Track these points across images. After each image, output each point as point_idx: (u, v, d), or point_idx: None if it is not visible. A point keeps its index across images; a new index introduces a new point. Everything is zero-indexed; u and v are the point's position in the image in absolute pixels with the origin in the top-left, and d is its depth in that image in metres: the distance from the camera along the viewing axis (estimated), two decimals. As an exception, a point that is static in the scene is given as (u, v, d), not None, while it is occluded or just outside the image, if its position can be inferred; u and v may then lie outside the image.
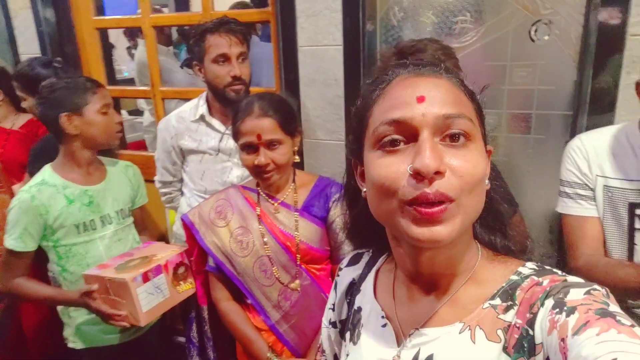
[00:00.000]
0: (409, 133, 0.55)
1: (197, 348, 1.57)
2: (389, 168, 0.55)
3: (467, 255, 0.63)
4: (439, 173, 0.52)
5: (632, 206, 1.19)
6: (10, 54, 2.43)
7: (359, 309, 0.75)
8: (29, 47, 2.35)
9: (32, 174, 1.88)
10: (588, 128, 1.40)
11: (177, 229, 1.86)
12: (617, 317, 0.47)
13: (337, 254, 1.41)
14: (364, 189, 0.64)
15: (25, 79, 1.90)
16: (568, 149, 1.29)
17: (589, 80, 1.39)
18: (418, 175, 0.52)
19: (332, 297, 0.83)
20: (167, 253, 1.48)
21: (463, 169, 0.53)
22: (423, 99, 0.55)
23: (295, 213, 1.39)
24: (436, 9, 1.56)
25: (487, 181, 0.59)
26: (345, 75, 1.68)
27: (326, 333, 0.84)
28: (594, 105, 1.40)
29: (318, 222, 1.39)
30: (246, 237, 1.38)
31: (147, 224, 1.84)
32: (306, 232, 1.38)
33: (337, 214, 1.35)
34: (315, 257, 1.40)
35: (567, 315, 0.49)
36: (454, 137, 0.55)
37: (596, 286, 0.53)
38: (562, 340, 0.48)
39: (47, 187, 1.48)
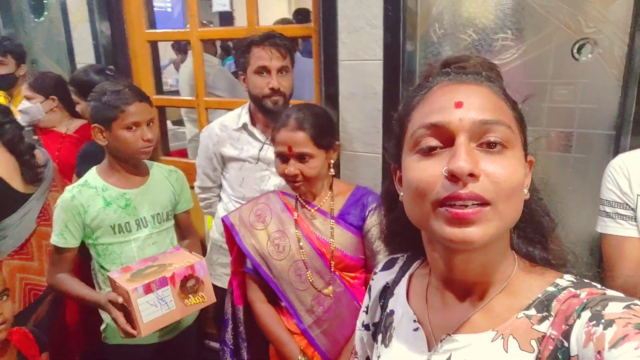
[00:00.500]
0: (446, 137, 0.56)
1: (231, 350, 1.61)
2: (425, 171, 0.56)
3: (502, 264, 0.62)
4: (473, 176, 0.52)
5: (677, 228, 1.16)
6: (68, 64, 2.59)
7: (392, 312, 0.76)
8: (85, 57, 2.50)
9: (79, 176, 1.99)
10: (631, 148, 1.36)
11: (213, 233, 1.92)
12: None
13: (372, 262, 1.42)
14: (402, 193, 0.65)
15: (79, 84, 2.02)
16: (609, 167, 1.27)
17: (633, 100, 1.37)
18: (452, 177, 0.53)
19: (366, 300, 0.85)
20: (180, 265, 1.46)
21: (499, 175, 0.54)
22: (461, 104, 0.56)
23: (331, 220, 1.42)
24: (477, 26, 1.58)
25: (526, 191, 0.60)
26: (385, 89, 1.71)
27: (359, 335, 0.86)
28: (638, 125, 1.38)
29: (354, 230, 1.42)
30: (283, 241, 1.42)
31: (192, 229, 1.87)
32: (341, 239, 1.41)
33: (373, 223, 1.37)
34: (349, 265, 1.42)
35: (605, 328, 0.48)
36: (490, 145, 0.55)
37: (637, 301, 0.52)
38: (599, 352, 0.47)
39: (87, 189, 1.57)
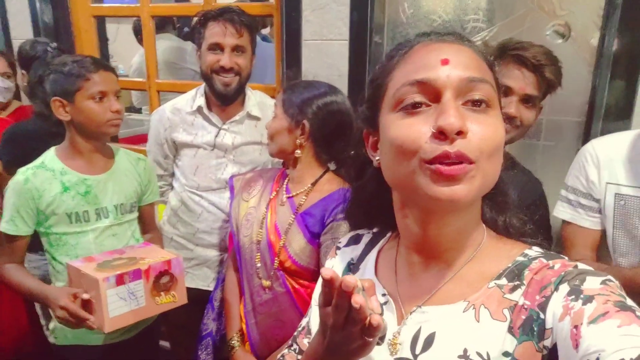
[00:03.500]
0: (432, 95, 0.55)
1: (215, 310, 1.59)
2: (411, 128, 0.55)
3: (474, 232, 0.62)
4: (461, 133, 0.52)
5: (647, 216, 1.14)
6: (2, 39, 2.35)
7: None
8: (21, 32, 2.28)
9: (1, 159, 1.81)
10: (602, 134, 1.34)
11: (164, 224, 1.78)
12: (637, 313, 0.47)
13: None
14: (376, 158, 0.63)
15: (24, 58, 1.87)
16: (580, 154, 1.26)
17: (605, 86, 1.34)
18: (441, 135, 0.52)
19: None
20: (156, 259, 1.36)
21: (484, 133, 0.54)
22: (447, 61, 0.55)
23: (292, 215, 1.31)
24: (447, 6, 1.51)
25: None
26: (350, 71, 1.62)
27: (316, 312, 0.76)
28: (610, 111, 1.35)
29: (308, 236, 1.28)
30: (252, 217, 1.38)
31: (155, 223, 1.73)
32: (293, 240, 1.29)
33: (332, 236, 1.24)
34: (293, 270, 1.30)
35: (584, 304, 0.48)
36: (475, 103, 0.55)
37: (610, 277, 0.53)
38: (575, 327, 0.47)
39: (43, 171, 1.41)
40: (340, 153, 1.31)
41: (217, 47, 1.54)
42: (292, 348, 0.78)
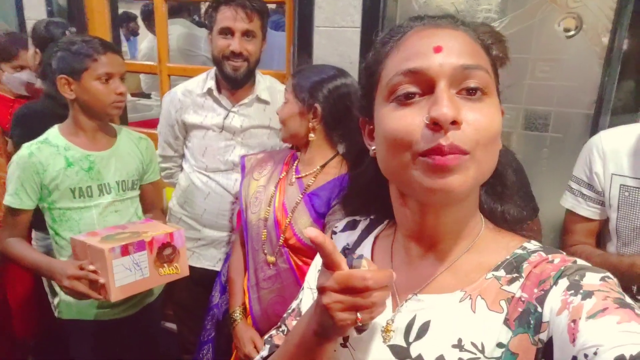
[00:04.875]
0: (425, 84, 0.53)
1: (221, 285, 1.62)
2: (404, 120, 0.53)
3: (471, 221, 0.61)
4: (455, 123, 0.50)
5: (650, 208, 1.15)
6: (16, 19, 2.37)
7: None
8: (35, 12, 2.29)
9: (12, 140, 1.83)
10: (609, 128, 1.34)
11: (173, 205, 1.80)
12: (636, 310, 0.46)
13: None
14: (372, 147, 0.62)
15: (39, 38, 1.88)
16: (586, 145, 1.28)
17: (615, 79, 1.34)
18: (435, 125, 0.50)
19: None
20: (158, 232, 1.40)
21: (479, 122, 0.52)
22: (440, 49, 0.53)
23: (300, 195, 1.34)
24: (460, -5, 1.51)
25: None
26: (361, 58, 1.62)
27: (311, 296, 0.76)
28: (618, 105, 1.35)
29: (314, 215, 1.32)
30: (261, 195, 1.41)
31: (157, 202, 1.76)
32: (299, 218, 1.33)
33: (337, 217, 1.26)
34: (298, 247, 1.34)
35: (584, 299, 0.48)
36: (470, 91, 0.53)
37: (609, 274, 0.52)
38: (573, 321, 0.47)
39: (48, 146, 1.43)
40: (351, 135, 1.33)
41: (227, 32, 1.55)
42: (281, 329, 0.76)
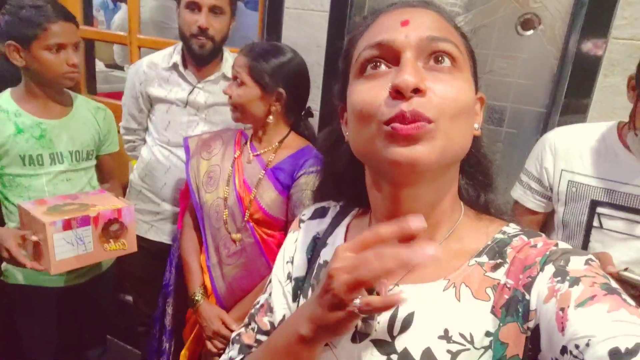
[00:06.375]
0: (391, 56, 0.53)
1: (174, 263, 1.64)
2: (370, 91, 0.53)
3: (450, 208, 0.59)
4: (419, 91, 0.49)
5: (594, 204, 1.20)
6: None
7: (325, 263, 0.68)
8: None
9: None
10: (559, 126, 1.40)
11: (134, 177, 1.80)
12: (622, 296, 0.46)
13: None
14: (347, 133, 0.61)
15: None
16: (540, 141, 1.31)
17: (566, 79, 1.39)
18: (398, 94, 0.49)
19: (291, 250, 0.75)
20: (106, 207, 1.39)
21: (445, 91, 0.51)
22: (407, 22, 0.53)
23: (262, 171, 1.36)
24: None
25: (477, 126, 0.57)
26: (328, 43, 1.64)
27: (280, 290, 0.72)
28: (568, 104, 1.40)
29: (280, 188, 1.35)
30: (216, 175, 1.41)
31: (114, 173, 1.74)
32: (264, 192, 1.35)
33: (301, 187, 1.31)
34: (264, 221, 1.37)
35: (571, 286, 0.47)
36: (438, 59, 0.52)
37: (591, 256, 0.52)
38: (562, 310, 0.46)
39: None
40: (304, 112, 1.41)
41: (194, 6, 1.52)
42: (250, 327, 0.71)
